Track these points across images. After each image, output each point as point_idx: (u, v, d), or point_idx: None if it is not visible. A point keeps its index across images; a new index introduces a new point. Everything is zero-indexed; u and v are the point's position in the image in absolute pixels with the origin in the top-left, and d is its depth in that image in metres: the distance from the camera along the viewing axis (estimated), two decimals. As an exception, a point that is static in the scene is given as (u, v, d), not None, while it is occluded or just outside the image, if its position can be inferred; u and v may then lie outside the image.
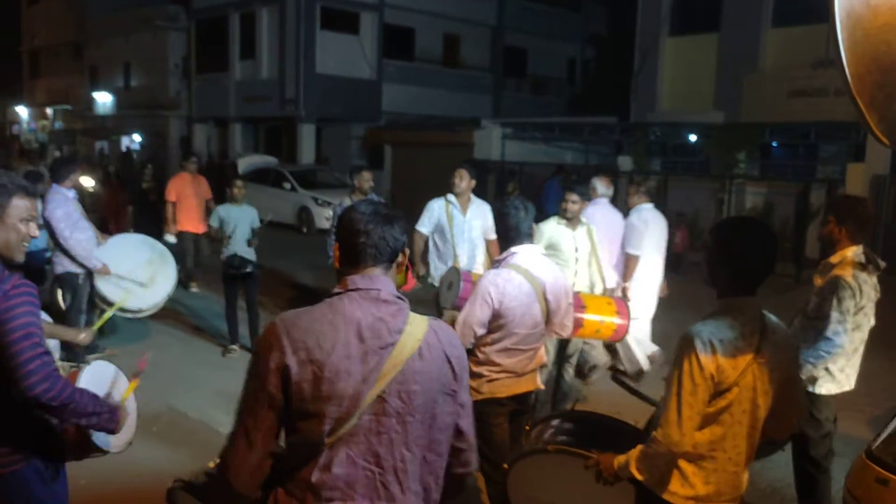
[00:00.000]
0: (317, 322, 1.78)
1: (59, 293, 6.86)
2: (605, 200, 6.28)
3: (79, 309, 6.32)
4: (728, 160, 14.72)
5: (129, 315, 6.41)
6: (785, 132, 14.74)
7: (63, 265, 6.25)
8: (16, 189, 2.35)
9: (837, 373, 3.63)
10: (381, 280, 1.87)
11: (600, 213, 6.08)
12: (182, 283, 8.19)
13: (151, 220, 10.45)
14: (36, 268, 7.11)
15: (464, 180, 5.97)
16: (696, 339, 2.24)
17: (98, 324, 3.77)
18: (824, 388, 3.65)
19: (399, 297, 1.87)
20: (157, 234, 10.11)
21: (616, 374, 5.64)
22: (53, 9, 33.88)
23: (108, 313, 4.33)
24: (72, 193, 6.27)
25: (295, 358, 1.74)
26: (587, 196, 5.50)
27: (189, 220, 9.58)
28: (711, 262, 2.39)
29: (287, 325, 1.79)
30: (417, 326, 1.86)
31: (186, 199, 9.55)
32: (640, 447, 2.35)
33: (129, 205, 10.59)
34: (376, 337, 1.78)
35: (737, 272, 2.33)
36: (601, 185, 6.32)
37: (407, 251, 1.97)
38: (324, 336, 1.76)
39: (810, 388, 3.62)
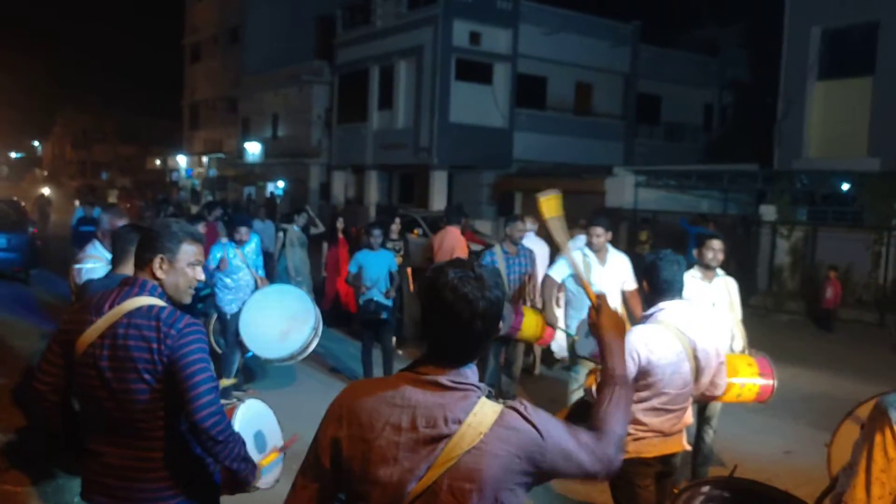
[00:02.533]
0: (376, 399, 1.69)
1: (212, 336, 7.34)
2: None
3: (228, 343, 6.78)
4: (885, 210, 13.66)
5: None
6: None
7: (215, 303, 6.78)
8: (185, 235, 2.50)
9: None
10: (460, 369, 1.72)
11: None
12: None
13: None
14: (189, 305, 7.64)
15: (601, 237, 5.93)
16: (892, 409, 2.03)
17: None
18: None
19: (468, 384, 1.70)
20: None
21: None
22: (212, 67, 37.05)
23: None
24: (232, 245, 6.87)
25: (347, 432, 1.68)
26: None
27: None
28: None
29: (350, 397, 1.73)
30: (483, 418, 1.65)
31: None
32: None
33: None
34: (430, 426, 1.63)
35: None
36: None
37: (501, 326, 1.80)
38: (377, 415, 1.66)
39: None
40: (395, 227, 9.67)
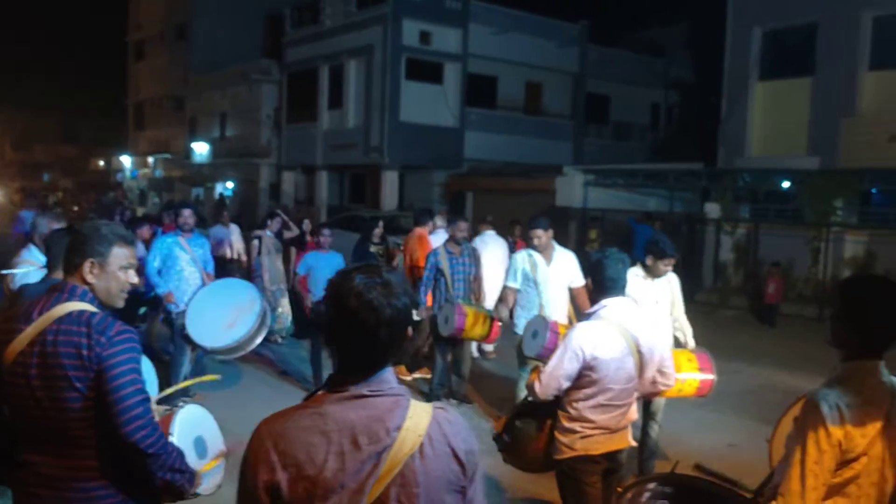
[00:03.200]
0: (306, 431, 1.60)
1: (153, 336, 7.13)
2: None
3: (175, 343, 6.65)
4: (824, 207, 14.10)
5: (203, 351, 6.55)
6: (888, 178, 14.01)
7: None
8: (116, 238, 2.43)
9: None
10: (376, 376, 1.68)
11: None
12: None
13: None
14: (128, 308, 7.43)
15: (542, 238, 5.99)
16: (823, 403, 2.08)
17: (169, 391, 3.54)
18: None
19: (393, 390, 1.67)
20: None
21: (700, 467, 5.51)
22: (158, 65, 36.23)
23: (182, 385, 4.33)
24: (178, 236, 6.77)
25: (285, 474, 1.57)
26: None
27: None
28: (840, 321, 2.21)
29: (275, 436, 1.61)
30: (419, 420, 1.64)
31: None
32: None
33: None
34: (374, 441, 1.59)
35: (869, 334, 2.15)
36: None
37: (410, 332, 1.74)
38: (315, 449, 1.57)
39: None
40: (378, 230, 9.39)
